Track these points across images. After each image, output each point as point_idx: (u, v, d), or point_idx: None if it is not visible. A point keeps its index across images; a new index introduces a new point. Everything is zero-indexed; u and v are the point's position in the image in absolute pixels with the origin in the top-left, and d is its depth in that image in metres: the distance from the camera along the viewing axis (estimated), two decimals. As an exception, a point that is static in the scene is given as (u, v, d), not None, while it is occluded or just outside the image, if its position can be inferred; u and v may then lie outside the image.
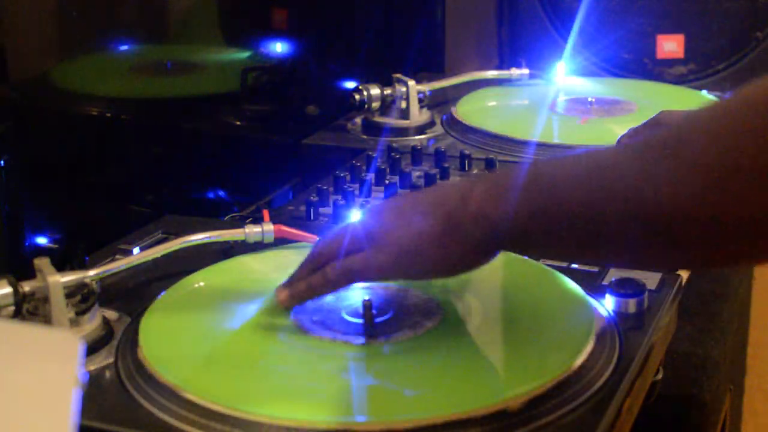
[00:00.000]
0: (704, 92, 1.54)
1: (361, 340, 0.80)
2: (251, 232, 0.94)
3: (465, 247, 0.75)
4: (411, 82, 1.40)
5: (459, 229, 0.75)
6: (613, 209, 0.67)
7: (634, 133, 1.13)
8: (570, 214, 0.69)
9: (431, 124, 1.42)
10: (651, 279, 0.90)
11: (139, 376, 0.76)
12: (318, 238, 0.97)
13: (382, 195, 1.12)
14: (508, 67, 1.59)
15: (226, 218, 1.12)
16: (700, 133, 0.63)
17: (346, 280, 0.81)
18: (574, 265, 0.92)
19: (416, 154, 1.26)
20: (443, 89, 1.51)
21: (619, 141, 1.15)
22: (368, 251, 0.78)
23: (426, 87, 1.42)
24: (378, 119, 1.40)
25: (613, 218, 0.67)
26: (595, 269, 0.92)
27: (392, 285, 0.89)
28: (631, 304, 0.85)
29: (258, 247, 0.96)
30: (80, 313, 0.80)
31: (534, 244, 0.75)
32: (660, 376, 0.94)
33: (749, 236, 0.62)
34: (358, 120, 1.43)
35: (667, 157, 0.63)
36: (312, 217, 1.09)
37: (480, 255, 0.77)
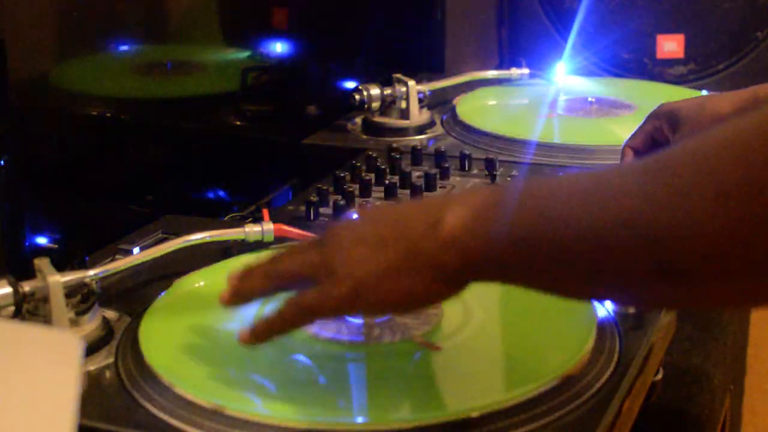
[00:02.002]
0: (704, 92, 1.54)
1: (360, 339, 0.80)
2: (251, 231, 0.94)
3: (429, 278, 0.67)
4: (411, 82, 1.40)
5: (423, 258, 0.66)
6: (614, 235, 0.59)
7: (638, 132, 1.13)
8: (563, 242, 0.61)
9: (431, 124, 1.42)
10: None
11: (139, 376, 0.76)
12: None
13: (382, 195, 1.12)
14: (508, 67, 1.59)
15: (226, 218, 1.12)
16: (696, 151, 0.58)
17: (302, 318, 0.72)
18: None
19: (416, 154, 1.26)
20: (443, 89, 1.51)
21: (624, 146, 1.14)
22: (323, 285, 0.70)
23: (426, 87, 1.42)
24: (378, 119, 1.40)
25: (614, 246, 0.59)
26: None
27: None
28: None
29: (258, 246, 0.96)
30: (80, 313, 0.80)
31: (517, 276, 0.67)
32: (660, 376, 0.94)
33: (752, 273, 0.56)
34: (358, 120, 1.43)
35: (665, 177, 0.58)
36: (312, 217, 1.09)
37: (447, 287, 0.68)
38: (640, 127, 1.12)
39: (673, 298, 0.64)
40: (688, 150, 0.59)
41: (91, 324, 0.81)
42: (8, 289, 0.76)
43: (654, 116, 1.11)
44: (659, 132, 1.10)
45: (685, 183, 0.57)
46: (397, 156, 1.23)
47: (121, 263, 0.88)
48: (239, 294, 0.75)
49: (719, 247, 0.56)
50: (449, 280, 0.67)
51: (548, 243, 0.62)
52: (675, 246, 0.57)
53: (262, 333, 0.73)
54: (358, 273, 0.68)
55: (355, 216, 0.74)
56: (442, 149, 1.26)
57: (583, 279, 0.63)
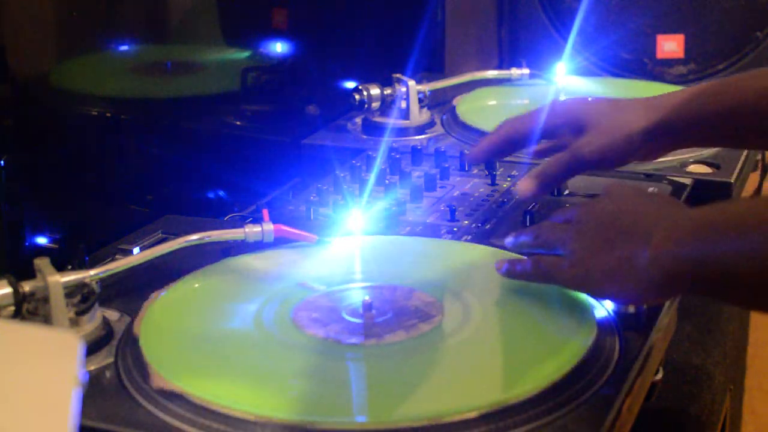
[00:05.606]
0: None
1: (360, 339, 0.80)
2: (251, 231, 0.94)
3: (642, 286, 0.77)
4: (411, 82, 1.40)
5: (634, 270, 0.77)
6: None
7: (530, 121, 1.02)
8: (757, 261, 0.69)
9: (431, 124, 1.42)
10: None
11: (139, 376, 0.76)
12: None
13: (382, 194, 1.12)
14: (508, 67, 1.59)
15: (226, 218, 1.12)
16: None
17: (540, 277, 0.86)
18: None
19: (416, 154, 1.27)
20: (443, 89, 1.51)
21: (507, 124, 1.02)
22: (562, 260, 0.84)
23: (426, 87, 1.42)
24: (378, 119, 1.40)
25: None
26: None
27: (393, 285, 0.89)
28: (631, 305, 0.85)
29: (258, 246, 0.96)
30: (80, 313, 0.80)
31: (719, 293, 0.76)
32: (660, 376, 0.94)
33: None
34: (358, 120, 1.43)
35: None
36: (312, 217, 1.09)
37: (655, 295, 0.79)
38: (534, 118, 1.02)
39: None
40: None
41: (91, 324, 0.81)
42: (8, 289, 0.76)
43: (553, 114, 1.02)
44: (557, 131, 1.03)
45: None
46: (397, 156, 1.23)
47: (121, 263, 0.88)
48: (513, 272, 0.89)
49: None
50: (656, 290, 0.77)
51: (747, 262, 0.69)
52: None
53: (520, 273, 0.88)
54: (586, 266, 0.81)
55: (599, 199, 0.88)
56: (442, 149, 1.26)
57: None
